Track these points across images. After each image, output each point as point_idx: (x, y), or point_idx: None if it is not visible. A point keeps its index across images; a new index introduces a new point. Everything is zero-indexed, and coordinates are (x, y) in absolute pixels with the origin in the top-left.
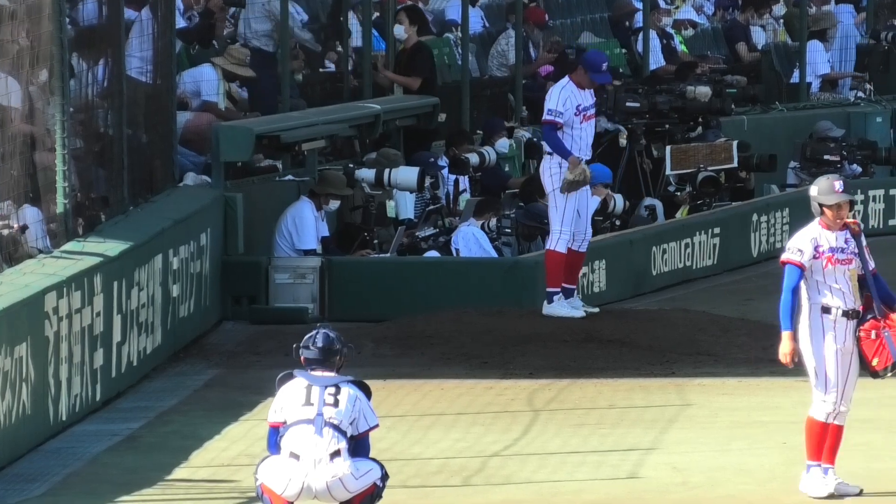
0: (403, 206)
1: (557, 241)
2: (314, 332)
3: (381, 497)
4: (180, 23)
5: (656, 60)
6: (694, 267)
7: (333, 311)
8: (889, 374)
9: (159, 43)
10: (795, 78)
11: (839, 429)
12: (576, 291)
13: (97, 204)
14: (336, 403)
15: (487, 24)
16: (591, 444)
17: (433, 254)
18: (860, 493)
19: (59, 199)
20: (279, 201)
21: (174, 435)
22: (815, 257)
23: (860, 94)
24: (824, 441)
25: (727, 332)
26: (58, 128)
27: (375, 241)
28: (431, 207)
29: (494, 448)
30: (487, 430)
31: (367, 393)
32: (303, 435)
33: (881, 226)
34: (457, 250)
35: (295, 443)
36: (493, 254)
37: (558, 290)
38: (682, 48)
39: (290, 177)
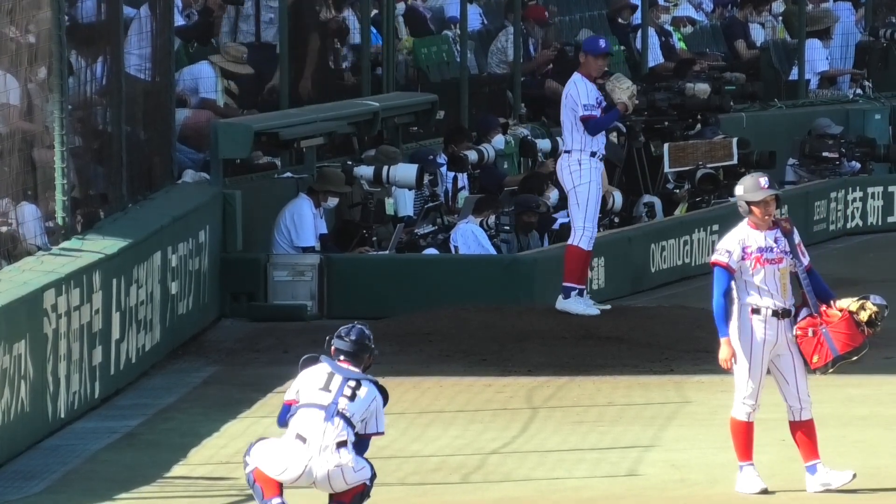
0: (402, 203)
1: (581, 238)
2: (350, 325)
3: (368, 496)
4: (179, 21)
5: (655, 58)
6: (693, 264)
7: (332, 308)
8: (830, 370)
9: (158, 40)
10: (794, 75)
11: (809, 422)
12: (585, 290)
13: (96, 201)
14: (353, 397)
15: (486, 22)
16: (589, 441)
17: (432, 251)
18: (854, 477)
19: (57, 197)
20: (278, 198)
21: (173, 432)
22: (742, 258)
23: (859, 91)
24: (751, 439)
25: None
26: (56, 125)
27: (374, 239)
28: (430, 205)
29: (493, 445)
30: (486, 428)
31: (385, 398)
32: (312, 419)
33: (879, 223)
34: (455, 247)
35: (303, 426)
36: (492, 251)
37: (576, 286)
38: (680, 45)
39: (288, 174)
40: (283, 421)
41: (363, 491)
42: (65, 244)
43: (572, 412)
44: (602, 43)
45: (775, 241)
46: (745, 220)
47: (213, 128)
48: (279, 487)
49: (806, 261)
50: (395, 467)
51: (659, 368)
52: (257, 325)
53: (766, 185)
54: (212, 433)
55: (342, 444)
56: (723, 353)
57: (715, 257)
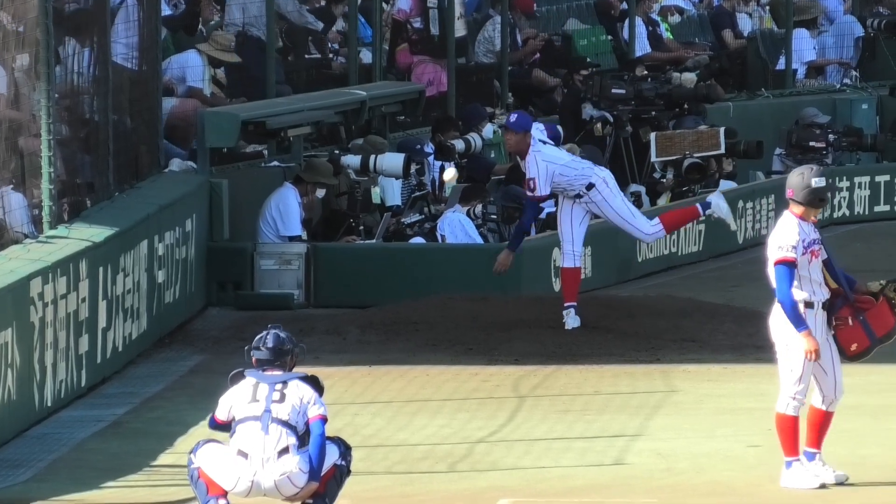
0: (390, 192)
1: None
2: (265, 332)
3: (349, 473)
4: (165, 10)
5: (642, 47)
6: (679, 253)
7: (319, 297)
8: (863, 358)
9: (145, 29)
10: (781, 65)
11: (831, 415)
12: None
13: (83, 190)
14: (283, 399)
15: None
16: (576, 430)
17: (419, 240)
18: (846, 479)
19: (44, 185)
20: (265, 187)
21: (159, 421)
22: (802, 252)
23: (846, 80)
24: (798, 434)
25: (712, 318)
26: (43, 114)
27: (361, 228)
28: (417, 194)
29: (480, 434)
30: (473, 417)
31: (318, 387)
32: (250, 433)
33: (866, 212)
34: (442, 236)
35: (243, 441)
36: (479, 240)
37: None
38: (667, 35)
39: (275, 163)
40: (211, 425)
41: (335, 474)
42: (51, 232)
43: (559, 401)
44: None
45: (814, 231)
46: (791, 211)
47: (200, 117)
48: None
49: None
50: (382, 456)
51: (645, 357)
52: (244, 313)
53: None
54: (198, 421)
55: (284, 451)
56: (809, 345)
57: (783, 255)
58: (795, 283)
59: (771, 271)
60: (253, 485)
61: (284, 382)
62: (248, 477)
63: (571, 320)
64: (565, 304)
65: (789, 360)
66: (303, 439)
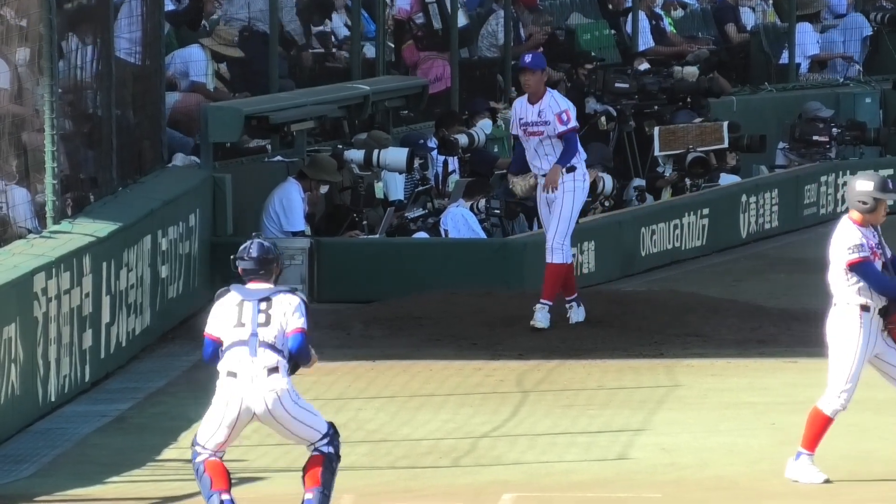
0: (393, 187)
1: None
2: (249, 242)
3: (338, 459)
4: (169, 5)
5: (645, 41)
6: (683, 248)
7: (322, 292)
8: None
9: (148, 24)
10: (785, 59)
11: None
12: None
13: (86, 185)
14: (268, 321)
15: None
16: (580, 425)
17: (422, 235)
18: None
19: (47, 180)
20: (268, 182)
21: (163, 416)
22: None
23: (849, 74)
24: (822, 435)
25: (716, 313)
26: (46, 108)
27: (364, 223)
28: (420, 188)
29: (484, 429)
30: (477, 412)
31: (304, 303)
32: (238, 356)
33: None
34: (445, 231)
35: (231, 364)
36: (482, 235)
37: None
38: (671, 29)
39: (278, 158)
40: (208, 356)
41: (323, 463)
42: (55, 228)
43: (562, 396)
44: (525, 58)
45: (873, 236)
46: (851, 216)
47: (203, 111)
48: (228, 482)
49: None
50: (386, 451)
51: (649, 352)
52: None
53: (893, 187)
54: (201, 416)
55: (273, 371)
56: None
57: (858, 255)
58: (857, 285)
59: (834, 276)
60: (242, 406)
61: (268, 299)
62: (237, 397)
63: (577, 314)
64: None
65: (842, 359)
66: (291, 362)
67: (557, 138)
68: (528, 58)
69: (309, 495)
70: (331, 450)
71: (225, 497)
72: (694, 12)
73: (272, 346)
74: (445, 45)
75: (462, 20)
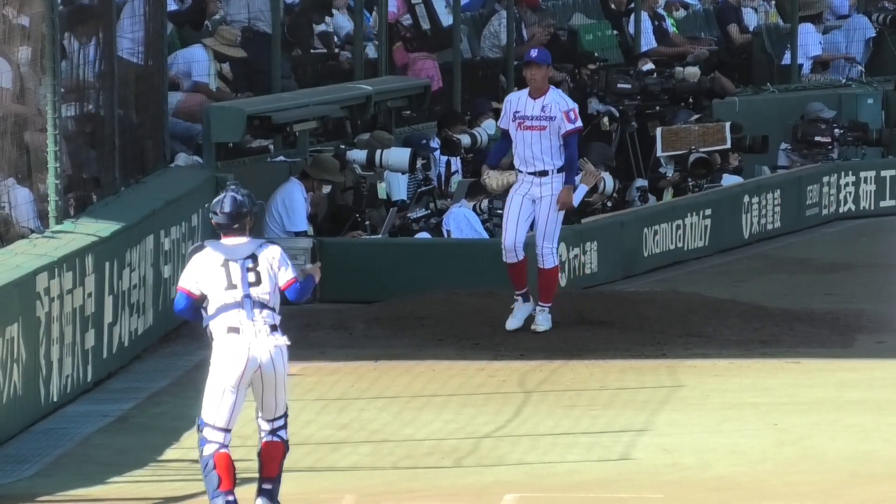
0: (396, 187)
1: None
2: (222, 195)
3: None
4: (171, 5)
5: (648, 42)
6: (685, 248)
7: (325, 292)
8: None
9: (150, 24)
10: (787, 59)
11: None
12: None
13: (89, 184)
14: (259, 279)
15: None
16: (582, 425)
17: (424, 235)
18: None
19: (50, 180)
20: (270, 182)
21: (165, 416)
22: None
23: (851, 75)
24: None
25: (718, 313)
26: (49, 108)
27: (367, 223)
28: (423, 189)
29: (486, 429)
30: (479, 412)
31: (282, 250)
32: (236, 317)
33: (872, 207)
34: (448, 231)
35: (231, 321)
36: (485, 235)
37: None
38: (673, 30)
39: (281, 158)
40: (181, 308)
41: (284, 455)
42: (57, 227)
43: (565, 396)
44: (532, 52)
45: None
46: None
47: (206, 111)
48: (234, 480)
49: None
50: (388, 451)
51: (651, 353)
52: None
53: None
54: None
55: (274, 329)
56: None
57: None
58: None
59: None
60: (249, 357)
61: (254, 257)
62: (243, 350)
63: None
64: (543, 304)
65: None
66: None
67: (562, 137)
68: (534, 52)
69: (267, 486)
70: (287, 438)
71: (230, 498)
72: (696, 13)
73: (266, 305)
74: (434, 46)
75: (448, 19)
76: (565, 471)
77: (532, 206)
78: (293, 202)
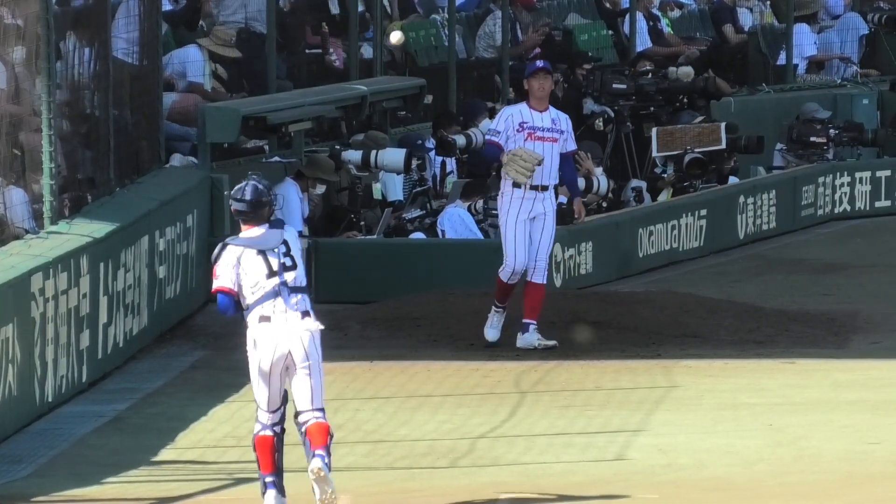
0: (391, 187)
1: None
2: (244, 183)
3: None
4: (166, 6)
5: (643, 42)
6: (680, 249)
7: (320, 292)
8: None
9: (145, 24)
10: (782, 60)
11: None
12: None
13: (83, 185)
14: (294, 263)
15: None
16: (577, 425)
17: (419, 235)
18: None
19: (45, 180)
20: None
21: (160, 416)
22: None
23: (846, 75)
24: None
25: (713, 313)
26: (44, 109)
27: (362, 223)
28: (418, 189)
29: (481, 430)
30: (474, 412)
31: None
32: (273, 304)
33: (867, 207)
34: (443, 232)
35: (266, 309)
36: (480, 235)
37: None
38: (668, 30)
39: (276, 158)
40: (225, 306)
41: (330, 436)
42: (52, 228)
43: (560, 396)
44: (539, 62)
45: None
46: None
47: (201, 112)
48: (274, 462)
49: None
50: (384, 452)
51: (646, 353)
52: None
53: None
54: (199, 417)
55: (306, 314)
56: None
57: None
58: None
59: None
60: (280, 341)
61: (286, 243)
62: (274, 335)
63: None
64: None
65: None
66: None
67: (563, 153)
68: (540, 63)
69: (321, 451)
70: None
71: (268, 479)
72: (691, 13)
73: (299, 289)
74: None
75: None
76: (560, 471)
77: (529, 225)
78: (288, 202)
